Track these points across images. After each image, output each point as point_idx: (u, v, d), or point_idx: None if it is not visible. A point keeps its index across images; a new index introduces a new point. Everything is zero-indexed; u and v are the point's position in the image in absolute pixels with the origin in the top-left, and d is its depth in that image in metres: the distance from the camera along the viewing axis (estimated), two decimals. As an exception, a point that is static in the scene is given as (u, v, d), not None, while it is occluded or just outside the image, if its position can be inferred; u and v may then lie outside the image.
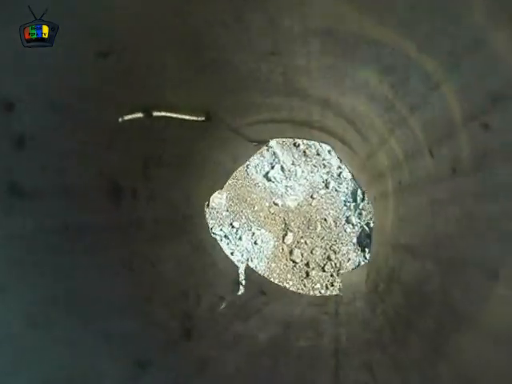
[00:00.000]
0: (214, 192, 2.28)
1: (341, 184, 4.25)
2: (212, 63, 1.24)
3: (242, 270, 1.94)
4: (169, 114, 1.35)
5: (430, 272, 0.97)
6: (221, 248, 2.04)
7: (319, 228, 4.09)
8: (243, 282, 1.81)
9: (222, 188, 2.41)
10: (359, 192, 4.16)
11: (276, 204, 4.05)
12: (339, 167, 4.28)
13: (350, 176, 4.21)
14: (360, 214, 4.13)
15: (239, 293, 1.71)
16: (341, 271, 3.68)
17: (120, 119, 1.10)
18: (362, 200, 4.14)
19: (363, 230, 4.06)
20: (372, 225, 3.98)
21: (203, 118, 1.60)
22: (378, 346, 1.06)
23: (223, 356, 1.08)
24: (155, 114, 1.27)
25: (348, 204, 4.20)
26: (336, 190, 4.24)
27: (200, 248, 1.73)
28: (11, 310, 0.70)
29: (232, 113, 1.76)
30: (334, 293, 3.47)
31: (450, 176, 0.91)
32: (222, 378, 0.96)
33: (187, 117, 1.48)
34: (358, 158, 1.96)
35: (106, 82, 0.96)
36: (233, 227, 3.90)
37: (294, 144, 4.20)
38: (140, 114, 1.19)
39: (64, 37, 0.78)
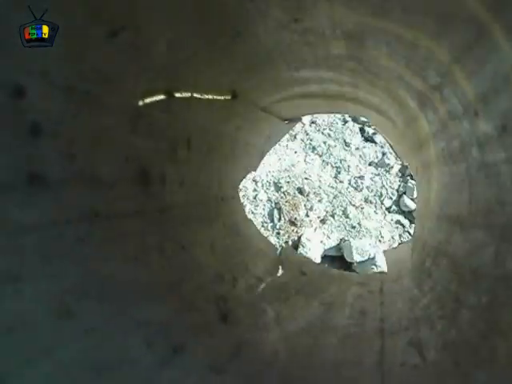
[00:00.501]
0: (247, 174, 2.24)
1: (257, 206, 4.37)
2: (233, 36, 1.18)
3: (280, 251, 1.90)
4: (192, 95, 1.31)
5: (481, 242, 0.89)
6: (257, 229, 2.01)
7: (238, 250, 4.22)
8: (282, 263, 1.77)
9: (255, 169, 2.37)
10: (275, 212, 4.31)
11: (190, 231, 4.10)
12: (255, 190, 4.42)
13: (265, 197, 4.38)
14: (278, 233, 4.23)
15: (278, 274, 1.67)
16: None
17: (141, 102, 1.08)
18: (279, 220, 4.29)
19: (282, 249, 4.07)
20: (290, 243, 4.10)
21: (229, 97, 1.55)
22: (426, 324, 0.99)
23: (261, 338, 1.05)
24: (178, 95, 1.23)
25: (265, 225, 4.30)
26: (252, 213, 4.31)
27: (235, 230, 1.70)
28: (41, 300, 0.70)
29: (259, 90, 1.70)
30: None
31: (500, 135, 0.81)
32: (260, 359, 0.93)
33: (212, 96, 1.44)
34: (397, 128, 1.85)
35: (120, 63, 0.93)
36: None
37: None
38: (162, 96, 1.16)
39: (72, 15, 0.75)
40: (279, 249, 1.91)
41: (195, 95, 1.34)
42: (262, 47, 1.28)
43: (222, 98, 1.52)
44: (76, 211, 0.85)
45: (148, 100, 1.11)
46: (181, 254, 1.20)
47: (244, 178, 2.23)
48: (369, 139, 4.80)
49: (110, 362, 0.72)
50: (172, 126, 1.28)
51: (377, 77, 1.45)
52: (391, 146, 2.36)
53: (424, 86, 1.17)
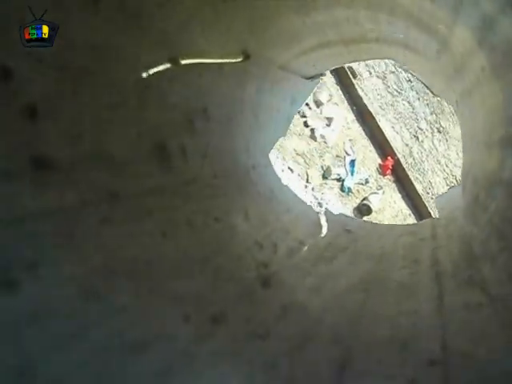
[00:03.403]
0: (276, 140, 2.16)
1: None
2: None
3: (322, 212, 1.83)
4: (200, 60, 1.24)
5: (540, 157, 0.77)
6: (294, 194, 1.94)
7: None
8: (325, 224, 1.69)
9: (285, 134, 2.28)
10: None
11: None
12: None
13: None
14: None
15: (322, 235, 1.60)
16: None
17: (145, 74, 1.02)
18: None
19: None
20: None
21: (241, 59, 1.46)
22: (486, 260, 0.89)
23: (307, 299, 0.99)
24: (184, 62, 1.17)
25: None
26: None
27: (270, 197, 1.64)
28: (65, 284, 0.67)
29: (272, 46, 1.60)
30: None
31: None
32: (307, 319, 0.88)
33: (222, 60, 1.36)
34: (428, 61, 1.69)
35: (113, 33, 0.87)
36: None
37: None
38: (167, 65, 1.10)
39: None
40: (320, 210, 1.83)
41: (203, 60, 1.26)
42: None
43: (234, 60, 1.44)
44: (92, 193, 0.82)
45: (153, 71, 1.05)
46: (214, 226, 1.16)
47: (274, 144, 2.15)
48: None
49: (146, 339, 0.69)
50: (184, 96, 1.22)
51: (397, 5, 1.31)
52: (427, 86, 2.18)
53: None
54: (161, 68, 1.08)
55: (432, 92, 2.00)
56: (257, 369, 0.70)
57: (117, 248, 0.79)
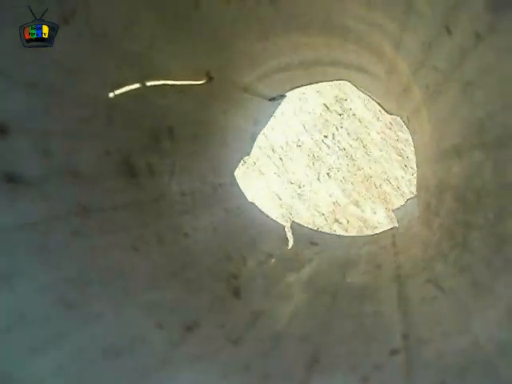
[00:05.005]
0: (241, 159, 2.21)
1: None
2: (192, 9, 1.15)
3: (288, 227, 1.88)
4: (164, 82, 1.28)
5: (479, 161, 0.86)
6: (261, 210, 1.99)
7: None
8: (291, 237, 1.74)
9: (249, 154, 2.34)
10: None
11: None
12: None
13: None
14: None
15: (288, 247, 1.65)
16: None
17: (112, 94, 1.06)
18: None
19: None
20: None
21: (204, 81, 1.52)
22: (440, 259, 0.96)
23: (277, 306, 1.03)
24: (149, 83, 1.21)
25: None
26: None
27: (237, 214, 1.68)
28: (41, 294, 0.68)
29: (234, 69, 1.67)
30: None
31: (475, 43, 0.78)
32: (277, 324, 0.91)
33: (185, 82, 1.41)
34: (379, 82, 1.81)
35: (80, 51, 0.91)
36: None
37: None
38: (132, 86, 1.14)
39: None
40: (286, 224, 1.88)
41: (168, 82, 1.31)
42: (225, 17, 1.26)
43: (198, 82, 1.50)
44: (63, 207, 0.84)
45: (119, 91, 1.09)
46: (183, 241, 1.19)
47: (239, 163, 2.21)
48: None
49: (122, 345, 0.70)
50: (150, 116, 1.26)
51: (348, 30, 1.42)
52: (380, 105, 2.34)
53: (394, 25, 1.14)
54: (126, 87, 1.12)
55: (385, 111, 2.15)
56: (232, 370, 0.73)
57: (90, 259, 0.81)
